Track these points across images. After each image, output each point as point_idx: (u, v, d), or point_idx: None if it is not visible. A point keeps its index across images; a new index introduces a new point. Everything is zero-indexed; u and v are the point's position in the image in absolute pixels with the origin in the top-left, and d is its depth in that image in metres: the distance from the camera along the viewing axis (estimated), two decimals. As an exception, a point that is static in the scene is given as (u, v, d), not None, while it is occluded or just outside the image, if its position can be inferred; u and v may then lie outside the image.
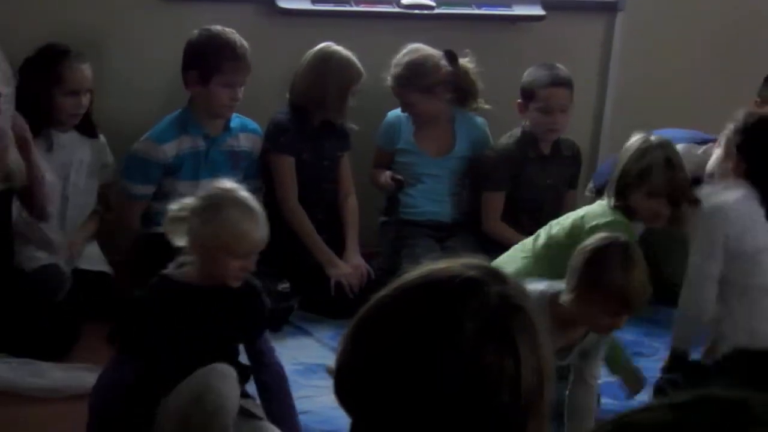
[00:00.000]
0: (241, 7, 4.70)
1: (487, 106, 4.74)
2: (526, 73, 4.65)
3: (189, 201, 3.08)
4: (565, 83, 4.59)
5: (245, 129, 4.39)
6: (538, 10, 5.14)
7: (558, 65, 4.67)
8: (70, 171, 4.18)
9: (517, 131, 4.66)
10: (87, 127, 4.23)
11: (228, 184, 3.11)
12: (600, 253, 3.08)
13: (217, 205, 3.03)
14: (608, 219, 3.73)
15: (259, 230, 3.05)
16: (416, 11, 4.89)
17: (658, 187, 3.73)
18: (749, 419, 1.15)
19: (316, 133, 4.46)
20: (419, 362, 1.49)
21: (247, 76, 4.27)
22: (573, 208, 4.71)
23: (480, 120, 4.80)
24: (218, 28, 4.27)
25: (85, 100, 4.15)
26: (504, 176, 4.60)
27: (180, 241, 3.07)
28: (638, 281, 3.05)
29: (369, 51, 4.58)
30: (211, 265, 3.04)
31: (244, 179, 4.27)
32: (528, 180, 4.63)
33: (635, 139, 3.82)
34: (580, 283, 3.07)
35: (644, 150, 3.75)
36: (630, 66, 5.29)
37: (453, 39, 4.77)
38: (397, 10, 4.87)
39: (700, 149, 4.45)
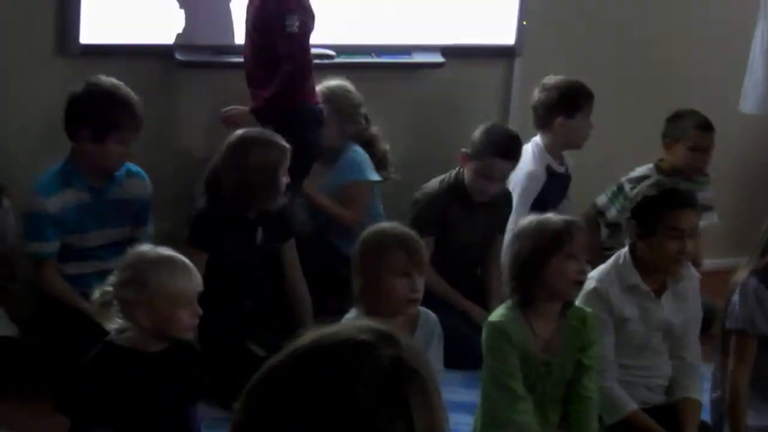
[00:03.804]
0: (139, 60, 4.68)
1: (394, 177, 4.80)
2: (481, 129, 4.59)
3: (109, 281, 3.11)
4: (513, 156, 4.59)
5: (130, 175, 4.24)
6: (437, 58, 5.19)
7: (512, 132, 4.68)
8: None
9: (451, 175, 4.64)
10: None
11: (141, 247, 3.19)
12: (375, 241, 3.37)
13: (144, 266, 3.08)
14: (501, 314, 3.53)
15: (193, 273, 3.12)
16: (317, 61, 4.90)
17: (577, 247, 3.46)
18: None
19: (247, 225, 4.23)
20: (312, 428, 1.49)
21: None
22: (499, 254, 4.71)
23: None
24: (107, 81, 4.14)
25: None
26: (432, 220, 4.55)
27: (112, 324, 3.11)
28: None
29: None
30: (161, 324, 3.08)
31: (136, 227, 4.22)
32: (456, 225, 4.61)
33: (524, 225, 3.53)
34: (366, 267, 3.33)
35: (543, 225, 3.48)
36: (530, 109, 5.35)
37: (354, 87, 4.79)
38: (297, 59, 4.88)
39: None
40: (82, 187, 4.14)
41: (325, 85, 4.70)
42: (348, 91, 4.72)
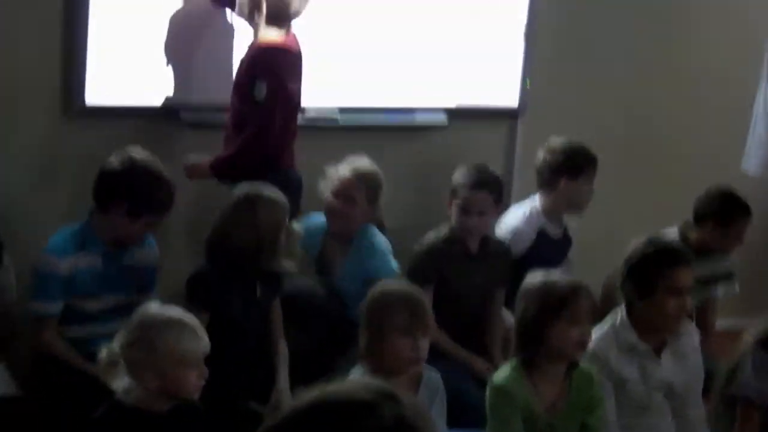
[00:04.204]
0: (144, 120, 4.70)
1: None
2: (457, 170, 4.65)
3: (117, 340, 3.13)
4: (488, 187, 4.59)
5: (141, 243, 4.25)
6: (441, 118, 5.22)
7: (489, 168, 4.68)
8: None
9: (445, 227, 4.63)
10: None
11: (150, 307, 3.21)
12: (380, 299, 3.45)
13: (152, 327, 3.10)
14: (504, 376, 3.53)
15: (200, 334, 3.14)
16: (321, 123, 4.93)
17: (581, 310, 3.47)
18: None
19: (248, 281, 4.21)
20: None
21: None
22: (500, 308, 4.69)
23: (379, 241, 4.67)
24: (146, 158, 4.12)
25: None
26: (429, 271, 4.52)
27: (118, 383, 3.12)
28: None
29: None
30: (168, 384, 3.09)
31: (141, 293, 4.21)
32: (454, 277, 4.58)
33: (531, 284, 3.54)
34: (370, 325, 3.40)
35: (549, 287, 3.50)
36: (533, 170, 5.36)
37: (358, 149, 4.79)
38: (301, 123, 4.89)
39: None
40: (96, 252, 4.14)
41: (357, 166, 4.59)
42: (378, 171, 4.65)
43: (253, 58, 4.42)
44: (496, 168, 5.22)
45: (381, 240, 4.66)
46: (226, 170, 4.46)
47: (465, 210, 4.55)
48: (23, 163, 4.60)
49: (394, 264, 4.63)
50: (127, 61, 4.64)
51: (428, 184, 5.19)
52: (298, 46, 4.54)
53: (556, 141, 4.88)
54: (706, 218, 4.85)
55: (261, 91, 4.34)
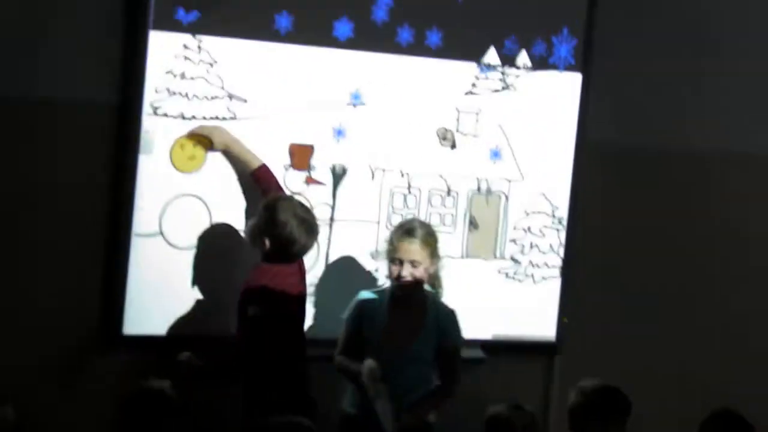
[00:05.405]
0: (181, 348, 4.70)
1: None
2: (490, 407, 4.47)
3: None
4: (523, 409, 4.48)
5: None
6: (477, 353, 5.20)
7: (523, 405, 4.65)
8: None
9: None
10: None
11: None
12: None
13: None
14: None
15: None
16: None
17: None
18: None
19: None
20: None
21: None
22: None
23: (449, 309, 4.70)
24: (157, 390, 4.02)
25: None
26: None
27: None
28: None
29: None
30: None
31: None
32: None
33: None
34: None
35: None
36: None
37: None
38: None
39: None
40: None
41: (413, 227, 4.62)
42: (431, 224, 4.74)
43: (247, 287, 4.45)
44: (533, 404, 5.18)
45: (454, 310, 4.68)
46: (213, 377, 4.51)
47: None
48: (58, 394, 4.60)
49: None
50: (164, 291, 4.70)
51: (464, 416, 5.12)
52: (303, 274, 4.61)
53: (589, 383, 4.82)
54: None
55: (255, 311, 4.39)
